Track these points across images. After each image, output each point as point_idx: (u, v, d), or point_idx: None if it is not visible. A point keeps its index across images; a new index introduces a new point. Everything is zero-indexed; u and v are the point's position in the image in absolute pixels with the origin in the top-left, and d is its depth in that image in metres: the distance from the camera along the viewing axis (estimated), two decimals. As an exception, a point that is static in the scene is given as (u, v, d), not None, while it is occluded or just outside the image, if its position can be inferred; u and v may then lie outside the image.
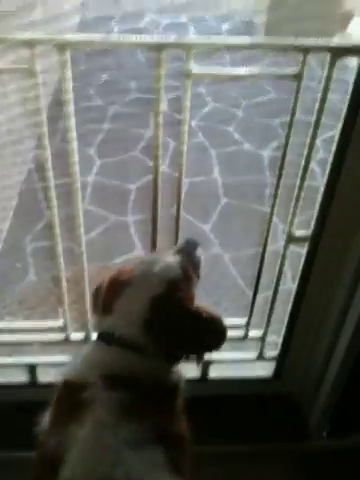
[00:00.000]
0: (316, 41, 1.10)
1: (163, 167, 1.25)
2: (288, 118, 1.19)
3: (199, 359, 1.11)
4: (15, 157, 2.88)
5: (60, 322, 1.49)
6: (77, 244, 1.36)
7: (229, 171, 3.26)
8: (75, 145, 1.19)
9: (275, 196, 1.31)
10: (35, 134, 1.20)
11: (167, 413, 1.04)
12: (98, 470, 0.91)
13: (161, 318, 1.03)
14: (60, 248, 1.37)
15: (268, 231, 1.38)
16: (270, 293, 1.52)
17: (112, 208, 2.90)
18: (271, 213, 1.35)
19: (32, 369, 1.54)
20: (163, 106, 1.15)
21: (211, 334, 1.08)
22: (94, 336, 1.38)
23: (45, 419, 1.03)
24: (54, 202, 1.29)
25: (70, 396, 0.99)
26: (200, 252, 1.18)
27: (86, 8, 4.91)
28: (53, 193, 1.27)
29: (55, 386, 1.05)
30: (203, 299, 1.15)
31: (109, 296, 1.08)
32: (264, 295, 1.53)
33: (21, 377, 1.57)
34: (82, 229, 1.34)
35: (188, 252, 1.15)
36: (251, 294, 1.51)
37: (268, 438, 1.61)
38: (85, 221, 1.35)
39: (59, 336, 1.50)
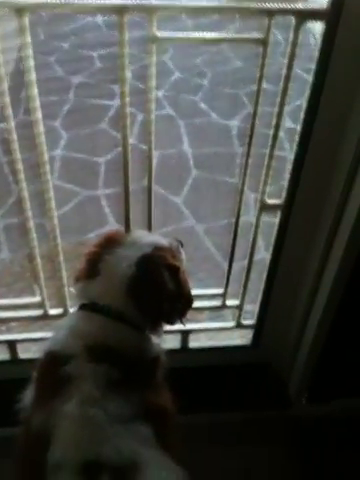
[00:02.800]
0: (281, 5, 1.09)
1: (131, 139, 1.23)
2: (254, 88, 1.18)
3: (180, 319, 1.15)
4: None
5: (37, 298, 1.47)
6: (49, 219, 1.34)
7: (198, 142, 3.24)
8: (39, 114, 1.15)
9: (246, 165, 1.31)
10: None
11: (151, 385, 1.06)
12: (89, 449, 0.89)
13: (146, 275, 1.03)
14: (32, 224, 1.34)
15: (240, 201, 1.39)
16: (245, 263, 1.53)
17: (82, 182, 2.85)
18: (242, 183, 1.35)
19: (12, 346, 1.53)
20: (127, 75, 1.13)
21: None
22: (74, 308, 1.38)
23: (28, 394, 1.02)
24: (22, 176, 1.25)
25: (54, 369, 0.98)
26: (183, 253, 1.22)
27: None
28: (20, 166, 1.23)
29: (38, 358, 1.04)
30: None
31: (98, 255, 1.09)
32: (239, 265, 1.55)
33: (1, 355, 1.56)
34: (53, 203, 1.32)
35: (174, 245, 1.19)
36: (226, 265, 1.53)
37: (250, 406, 1.64)
38: (55, 197, 1.32)
39: (37, 312, 1.49)
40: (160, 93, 3.62)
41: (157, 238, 1.15)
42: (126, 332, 1.04)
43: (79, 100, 3.55)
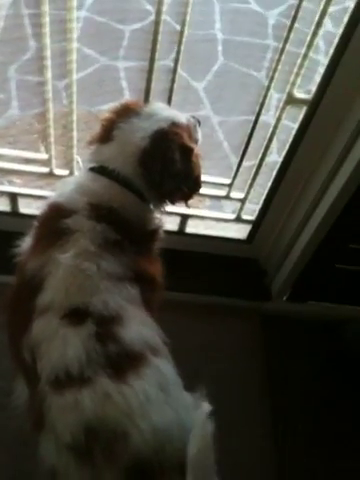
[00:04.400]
0: None
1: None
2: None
3: (185, 201, 1.16)
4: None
5: (44, 155, 1.46)
6: (65, 79, 1.29)
7: (231, 29, 3.03)
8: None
9: (278, 59, 1.26)
10: None
11: (146, 254, 1.08)
12: (77, 297, 0.93)
13: (158, 150, 1.03)
14: (50, 83, 1.29)
15: (266, 95, 1.35)
16: (253, 162, 1.53)
17: (103, 50, 2.70)
18: (271, 77, 1.30)
19: (14, 199, 1.54)
20: None
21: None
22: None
23: (26, 241, 1.03)
24: (46, 30, 1.18)
25: (55, 220, 0.99)
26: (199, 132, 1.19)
27: None
28: (47, 19, 1.15)
29: (41, 208, 1.04)
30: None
31: (114, 121, 1.07)
32: (248, 163, 1.53)
33: (2, 206, 1.57)
34: (74, 65, 1.26)
35: (192, 123, 1.16)
36: (234, 159, 1.52)
37: (231, 294, 1.72)
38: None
39: (43, 169, 1.49)
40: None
41: (176, 113, 1.12)
42: (130, 199, 1.05)
43: None
